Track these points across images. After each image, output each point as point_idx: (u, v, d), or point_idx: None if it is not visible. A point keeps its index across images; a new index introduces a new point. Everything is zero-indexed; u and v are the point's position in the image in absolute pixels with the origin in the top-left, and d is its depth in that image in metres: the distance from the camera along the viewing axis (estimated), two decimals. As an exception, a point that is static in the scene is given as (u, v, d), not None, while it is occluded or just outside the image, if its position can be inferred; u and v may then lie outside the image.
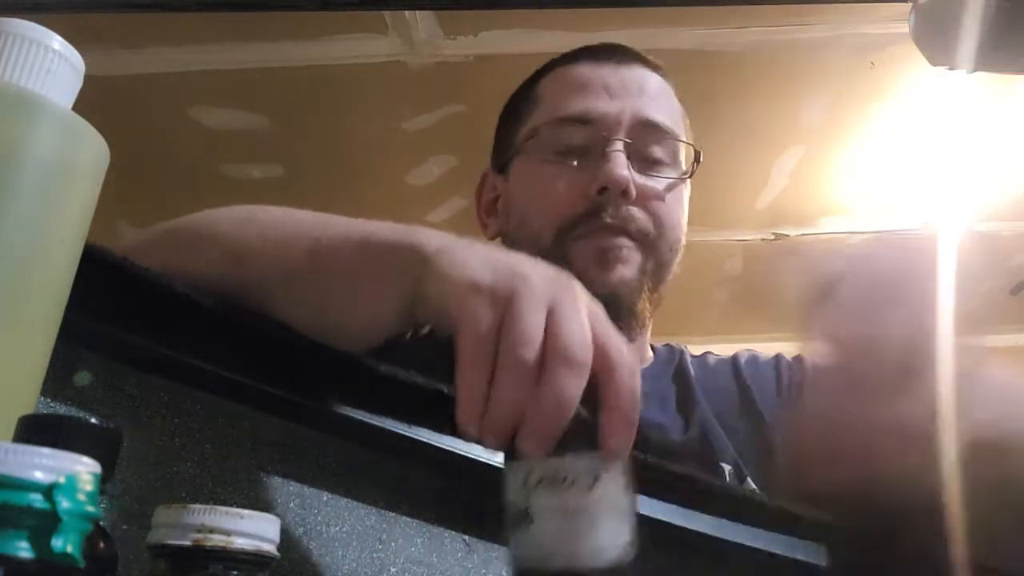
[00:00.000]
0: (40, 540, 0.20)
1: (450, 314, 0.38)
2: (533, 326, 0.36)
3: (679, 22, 1.82)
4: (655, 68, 0.78)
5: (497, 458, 0.47)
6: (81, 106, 0.34)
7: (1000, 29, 0.94)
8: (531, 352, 0.35)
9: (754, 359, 0.78)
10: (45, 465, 0.21)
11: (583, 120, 0.72)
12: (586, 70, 0.76)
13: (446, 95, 2.03)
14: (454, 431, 0.47)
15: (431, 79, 1.98)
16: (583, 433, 0.35)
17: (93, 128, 0.34)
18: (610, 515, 0.35)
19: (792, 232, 2.61)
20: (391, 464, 0.48)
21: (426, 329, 0.76)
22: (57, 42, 0.33)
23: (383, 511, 0.47)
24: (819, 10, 1.79)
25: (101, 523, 0.31)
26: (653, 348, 0.82)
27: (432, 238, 0.43)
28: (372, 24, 1.85)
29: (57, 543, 0.21)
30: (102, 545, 0.32)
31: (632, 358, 0.38)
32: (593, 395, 0.36)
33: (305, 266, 0.46)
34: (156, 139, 2.11)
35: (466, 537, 0.49)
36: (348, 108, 2.06)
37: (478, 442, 0.37)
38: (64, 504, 0.21)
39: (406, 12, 1.79)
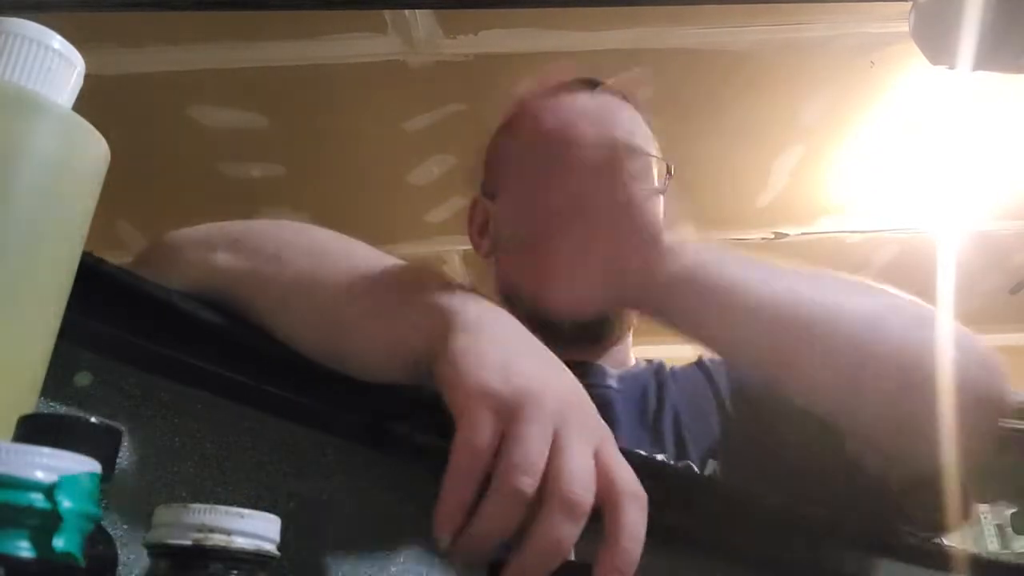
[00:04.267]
0: (41, 540, 0.20)
1: (452, 408, 0.37)
2: (535, 454, 0.34)
3: (679, 21, 1.82)
4: (624, 97, 0.86)
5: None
6: (81, 106, 0.34)
7: (1000, 28, 0.94)
8: (530, 484, 0.34)
9: (712, 359, 0.83)
10: (46, 465, 0.21)
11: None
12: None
13: (446, 94, 2.03)
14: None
15: (431, 78, 1.98)
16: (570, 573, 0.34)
17: (93, 128, 0.33)
18: None
19: (792, 231, 2.61)
20: (391, 464, 0.48)
21: None
22: (57, 41, 0.33)
23: (383, 511, 0.47)
24: (819, 9, 1.79)
25: (102, 522, 0.31)
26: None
27: (471, 310, 0.41)
28: (372, 23, 1.84)
29: (58, 543, 0.21)
30: (102, 545, 0.32)
31: (642, 491, 0.36)
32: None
33: (339, 285, 0.45)
34: (156, 139, 2.11)
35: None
36: (348, 107, 2.06)
37: (448, 555, 0.35)
38: (65, 504, 0.21)
39: (406, 11, 1.79)
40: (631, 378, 0.82)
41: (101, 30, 1.80)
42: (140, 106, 2.01)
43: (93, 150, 0.34)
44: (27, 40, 0.32)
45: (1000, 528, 1.76)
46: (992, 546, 1.73)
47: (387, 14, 1.80)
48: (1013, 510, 1.71)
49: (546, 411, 0.36)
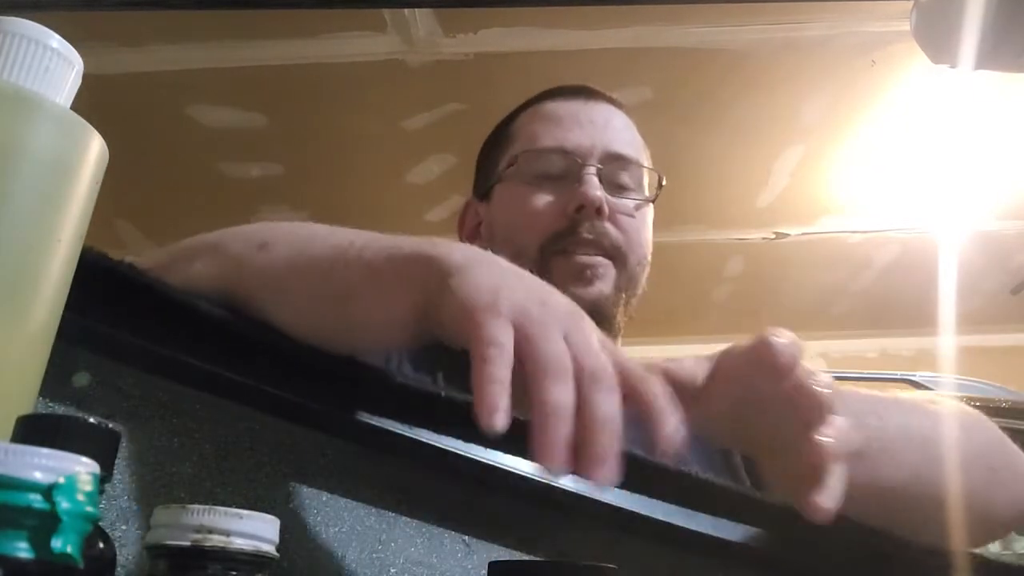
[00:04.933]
0: (40, 540, 0.20)
1: (463, 335, 0.38)
2: (560, 350, 0.36)
3: (679, 19, 1.82)
4: (619, 106, 0.86)
5: (495, 456, 0.47)
6: (80, 105, 0.34)
7: (1001, 27, 0.94)
8: (568, 365, 0.35)
9: None
10: (44, 465, 0.21)
11: (559, 151, 0.79)
12: (559, 106, 0.84)
13: (446, 93, 2.03)
14: (454, 432, 0.47)
15: (430, 77, 1.98)
16: None
17: (92, 127, 0.33)
18: None
19: (793, 231, 2.61)
20: (391, 464, 0.48)
21: None
22: (55, 40, 0.33)
23: (383, 511, 0.47)
24: (820, 8, 1.79)
25: (100, 523, 0.31)
26: None
27: (456, 253, 0.43)
28: (371, 22, 1.84)
29: (56, 543, 0.20)
30: (101, 545, 0.32)
31: (650, 374, 0.38)
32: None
33: (332, 257, 0.46)
34: (155, 138, 2.11)
35: (466, 537, 0.49)
36: (347, 106, 2.06)
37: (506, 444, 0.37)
38: (63, 504, 0.21)
39: (405, 10, 1.79)
40: None
41: (99, 29, 1.80)
42: (139, 105, 2.01)
43: (92, 149, 0.34)
44: (25, 39, 0.32)
45: (1001, 528, 1.76)
46: (993, 547, 1.73)
47: (386, 13, 1.80)
48: (1014, 510, 1.71)
49: (551, 319, 0.37)
